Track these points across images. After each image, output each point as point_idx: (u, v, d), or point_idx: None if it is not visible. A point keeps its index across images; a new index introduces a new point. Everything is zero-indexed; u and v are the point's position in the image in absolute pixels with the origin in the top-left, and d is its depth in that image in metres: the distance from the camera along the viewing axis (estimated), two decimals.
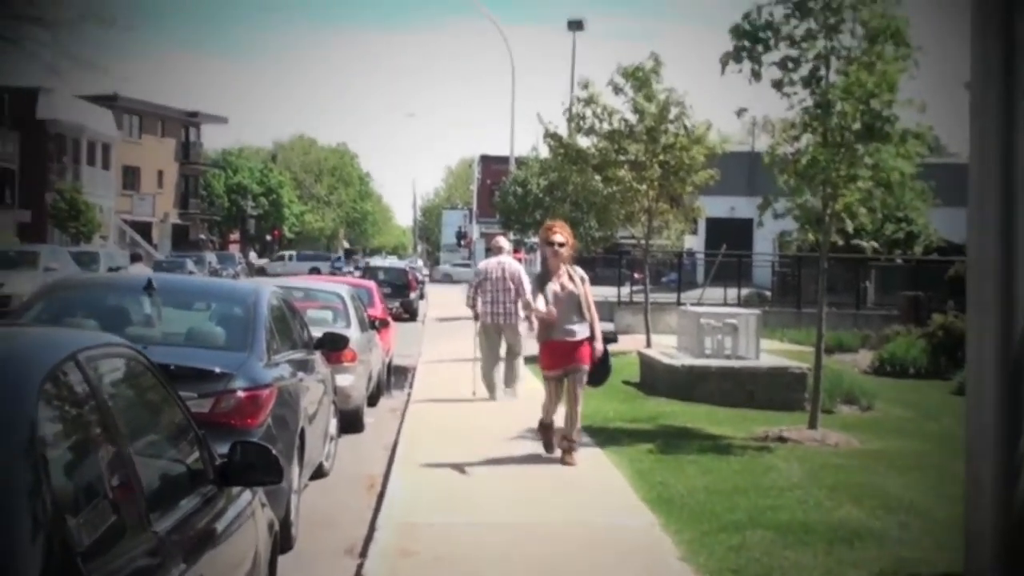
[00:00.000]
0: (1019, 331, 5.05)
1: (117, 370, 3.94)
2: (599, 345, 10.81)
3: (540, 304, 10.66)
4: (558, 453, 10.75)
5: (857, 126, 11.50)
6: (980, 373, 5.08)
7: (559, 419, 10.86)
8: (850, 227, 12.39)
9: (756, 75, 11.63)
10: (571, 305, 10.69)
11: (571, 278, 10.80)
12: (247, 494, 4.89)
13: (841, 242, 13.44)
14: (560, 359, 10.71)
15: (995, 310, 5.02)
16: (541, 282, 10.85)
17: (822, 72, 11.79)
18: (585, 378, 10.76)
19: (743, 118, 13.50)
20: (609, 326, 21.35)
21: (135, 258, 26.69)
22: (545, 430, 11.01)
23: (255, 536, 4.83)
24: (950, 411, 14.34)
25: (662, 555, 7.47)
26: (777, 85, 11.86)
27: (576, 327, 10.70)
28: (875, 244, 13.00)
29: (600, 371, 10.95)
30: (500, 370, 15.23)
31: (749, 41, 11.37)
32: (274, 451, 4.62)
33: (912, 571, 7.05)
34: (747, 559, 7.26)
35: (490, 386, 15.15)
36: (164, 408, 4.32)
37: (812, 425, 12.62)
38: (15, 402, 3.02)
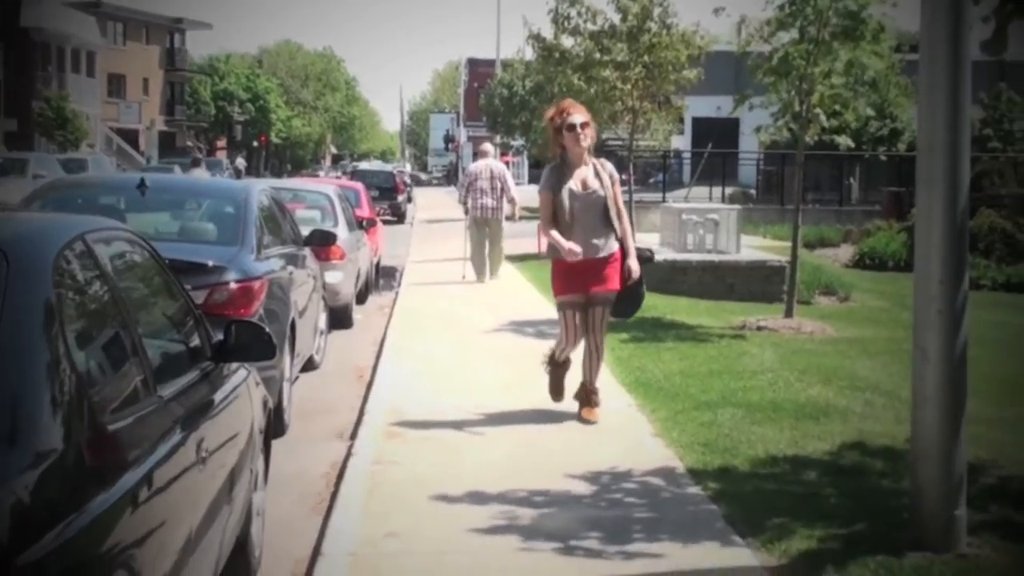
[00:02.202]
0: (963, 209, 5.39)
1: (121, 252, 4.25)
2: (634, 264, 8.12)
3: (554, 233, 7.98)
4: (568, 403, 8.44)
5: (834, 22, 11.74)
6: (927, 248, 5.41)
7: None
8: (824, 122, 12.66)
9: None
10: (595, 210, 8.01)
11: (597, 174, 8.08)
12: (242, 371, 5.23)
13: (818, 138, 13.66)
14: (579, 282, 8.03)
15: (942, 189, 5.33)
16: (557, 179, 8.06)
17: None
18: (609, 308, 8.17)
19: (732, 18, 13.61)
20: (653, 237, 18.69)
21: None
22: (556, 368, 8.48)
23: (250, 409, 5.19)
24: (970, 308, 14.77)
25: (637, 432, 7.88)
26: None
27: (601, 240, 8.03)
28: (849, 142, 13.20)
29: (631, 299, 8.32)
30: (486, 258, 17.47)
31: None
32: (266, 328, 4.95)
33: (872, 442, 7.48)
34: (717, 434, 7.67)
35: (479, 270, 17.47)
36: (164, 289, 4.64)
37: (788, 314, 13.05)
38: (31, 277, 3.29)
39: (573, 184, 8.00)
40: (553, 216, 8.04)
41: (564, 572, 5.25)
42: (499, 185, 17.38)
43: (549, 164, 8.44)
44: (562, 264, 8.03)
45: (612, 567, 5.28)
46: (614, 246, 8.09)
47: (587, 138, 8.05)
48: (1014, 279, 18.58)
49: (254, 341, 4.85)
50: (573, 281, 8.05)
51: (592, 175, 8.06)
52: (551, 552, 5.47)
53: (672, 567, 5.23)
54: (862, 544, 5.41)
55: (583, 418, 8.18)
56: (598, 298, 8.08)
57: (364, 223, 16.19)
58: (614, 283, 8.09)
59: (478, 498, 6.34)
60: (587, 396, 8.29)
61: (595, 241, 8.01)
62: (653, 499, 6.28)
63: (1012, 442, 7.64)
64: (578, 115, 8.06)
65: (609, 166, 8.20)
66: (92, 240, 3.83)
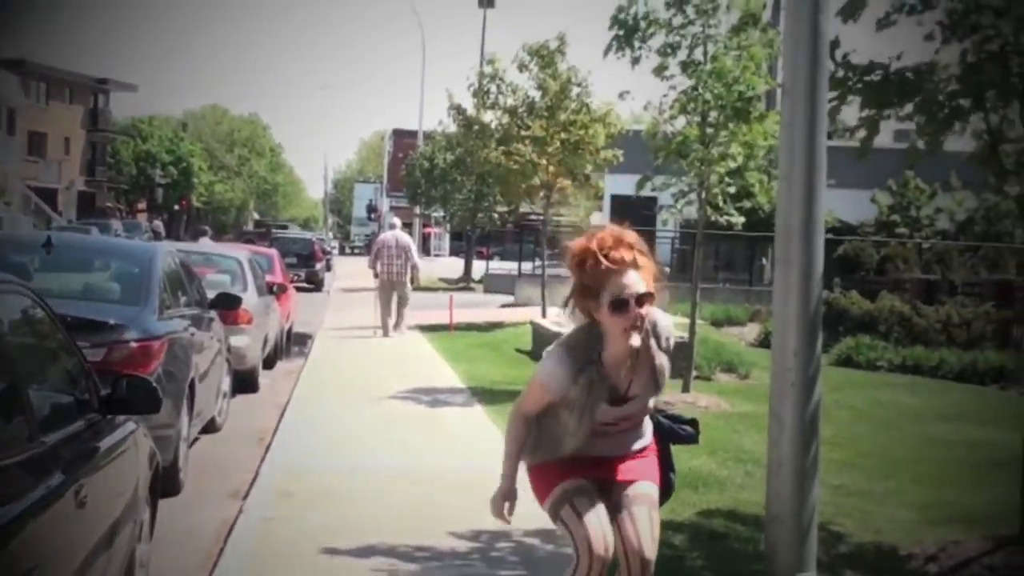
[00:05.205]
0: (817, 287, 5.78)
1: (11, 305, 4.46)
2: (645, 479, 4.66)
3: (512, 462, 4.72)
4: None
5: (725, 107, 12.30)
6: (783, 322, 5.81)
7: None
8: (720, 201, 13.21)
9: (635, 61, 12.29)
10: (627, 425, 4.64)
11: (650, 362, 4.53)
12: (130, 424, 5.43)
13: (727, 220, 14.13)
14: (589, 467, 4.60)
15: (797, 268, 5.74)
16: (578, 368, 4.39)
17: (699, 57, 12.52)
18: (656, 508, 4.64)
19: (638, 100, 14.17)
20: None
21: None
22: None
23: (136, 461, 5.38)
24: (822, 380, 15.30)
25: (523, 495, 8.12)
26: (657, 70, 12.56)
27: (628, 443, 4.67)
28: (740, 219, 13.74)
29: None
30: (392, 315, 20.45)
31: (626, 32, 12.00)
32: (153, 383, 5.17)
33: (744, 510, 7.81)
34: None
35: (384, 326, 20.26)
36: (53, 342, 4.85)
37: (685, 389, 13.43)
38: None
39: (606, 388, 4.43)
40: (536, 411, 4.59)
41: None
42: (404, 253, 20.52)
43: (576, 330, 4.50)
44: (553, 468, 4.65)
45: None
46: (648, 438, 4.77)
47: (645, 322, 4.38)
48: (909, 361, 19.15)
49: (140, 395, 5.07)
50: (577, 467, 4.60)
51: (644, 365, 4.49)
52: None
53: None
54: None
55: None
56: (634, 495, 4.58)
57: (275, 288, 16.38)
58: (653, 475, 4.71)
59: (363, 553, 6.56)
60: None
61: (616, 445, 4.63)
62: (528, 557, 6.54)
63: (878, 513, 8.02)
64: (634, 277, 4.31)
65: (664, 325, 4.57)
66: None
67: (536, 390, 4.52)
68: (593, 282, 4.31)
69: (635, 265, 4.30)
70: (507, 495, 4.72)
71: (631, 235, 4.40)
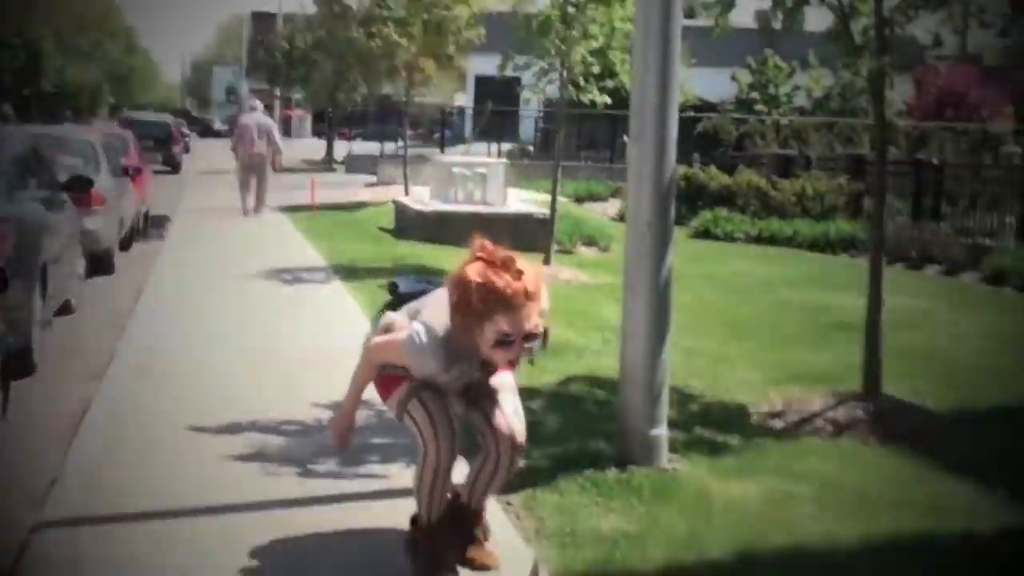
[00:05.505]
0: (671, 161, 5.89)
1: None
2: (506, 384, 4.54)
3: (349, 408, 4.66)
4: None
5: None
6: (638, 195, 5.91)
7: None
8: (580, 81, 13.29)
9: None
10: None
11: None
12: None
13: (590, 99, 14.19)
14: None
15: (651, 145, 5.83)
16: (450, 358, 4.23)
17: None
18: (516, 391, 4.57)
19: None
20: (425, 190, 20.75)
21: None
22: (428, 537, 4.52)
23: None
24: (679, 252, 15.65)
25: None
26: None
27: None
28: (604, 99, 13.79)
29: None
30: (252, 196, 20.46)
31: None
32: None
33: (600, 375, 7.98)
34: None
35: (244, 204, 20.34)
36: None
37: (546, 263, 13.61)
38: None
39: (478, 368, 4.38)
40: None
41: (297, 492, 5.54)
42: (266, 135, 20.57)
43: (455, 328, 4.15)
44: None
45: (341, 486, 5.63)
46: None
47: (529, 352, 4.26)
48: (765, 232, 19.70)
49: None
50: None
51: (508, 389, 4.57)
52: (290, 475, 5.77)
53: (394, 486, 5.60)
54: (575, 461, 5.90)
55: (480, 563, 4.60)
56: (496, 384, 4.50)
57: (130, 171, 16.07)
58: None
59: (227, 430, 6.54)
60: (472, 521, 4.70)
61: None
62: (390, 425, 6.59)
63: (728, 374, 8.32)
64: (525, 313, 4.03)
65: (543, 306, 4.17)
66: None
67: (397, 357, 4.31)
68: (479, 311, 4.00)
69: (527, 297, 4.00)
70: (345, 429, 4.71)
71: (523, 262, 4.09)
